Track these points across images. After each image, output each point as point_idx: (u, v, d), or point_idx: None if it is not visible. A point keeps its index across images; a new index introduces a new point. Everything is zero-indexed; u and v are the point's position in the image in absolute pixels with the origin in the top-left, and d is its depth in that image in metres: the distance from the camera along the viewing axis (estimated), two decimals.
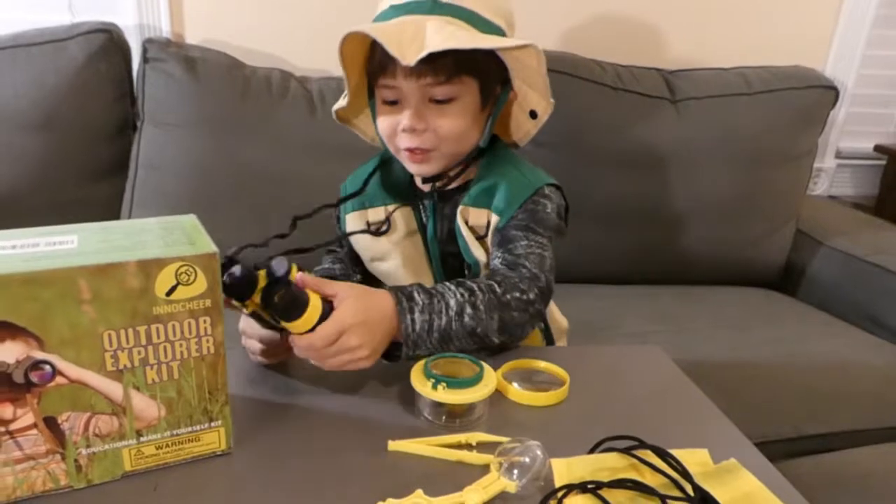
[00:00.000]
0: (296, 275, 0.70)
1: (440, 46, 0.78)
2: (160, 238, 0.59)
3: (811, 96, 1.72)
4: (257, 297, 0.68)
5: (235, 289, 0.66)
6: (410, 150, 0.89)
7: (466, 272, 0.95)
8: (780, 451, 1.12)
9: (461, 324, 0.77)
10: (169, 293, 0.57)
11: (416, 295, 0.77)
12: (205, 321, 0.59)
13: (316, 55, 1.73)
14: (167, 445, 0.62)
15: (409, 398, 0.74)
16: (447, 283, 0.80)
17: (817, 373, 1.29)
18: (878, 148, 2.11)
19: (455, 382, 0.70)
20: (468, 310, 0.78)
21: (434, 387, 0.69)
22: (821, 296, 1.68)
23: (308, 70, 1.68)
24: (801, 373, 1.29)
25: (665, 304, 1.58)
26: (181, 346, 0.59)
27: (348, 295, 0.73)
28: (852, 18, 1.96)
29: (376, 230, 0.97)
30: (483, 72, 0.88)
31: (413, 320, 0.75)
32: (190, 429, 0.62)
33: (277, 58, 1.72)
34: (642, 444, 0.65)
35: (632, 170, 1.65)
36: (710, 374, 1.20)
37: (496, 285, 0.81)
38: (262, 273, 0.68)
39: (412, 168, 0.93)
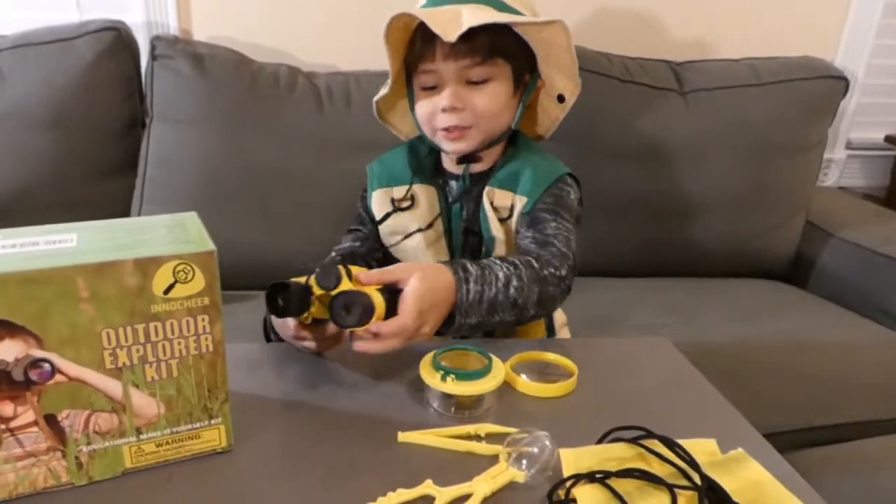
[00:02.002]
0: (353, 276, 0.73)
1: (477, 22, 0.85)
2: (160, 236, 0.59)
3: (821, 87, 1.71)
4: (314, 308, 0.72)
5: (293, 308, 0.71)
6: (448, 130, 0.95)
7: (483, 250, 1.00)
8: (789, 441, 1.12)
9: (507, 295, 0.82)
10: (167, 291, 0.57)
11: (469, 266, 0.82)
12: (203, 319, 0.59)
13: (323, 50, 1.73)
14: (167, 443, 0.62)
15: (419, 390, 0.74)
16: (492, 258, 0.86)
17: (827, 364, 1.29)
18: (888, 138, 2.10)
19: (464, 374, 0.70)
20: (514, 282, 0.83)
21: (443, 379, 0.70)
22: (831, 287, 1.67)
23: (315, 65, 1.68)
24: (811, 364, 1.29)
25: (674, 296, 1.58)
26: (180, 344, 0.59)
27: (414, 279, 0.76)
28: (862, 7, 1.94)
29: (401, 206, 1.01)
30: (515, 56, 0.94)
31: (468, 290, 0.80)
32: (190, 426, 0.63)
33: (285, 53, 1.72)
34: (650, 434, 0.65)
35: (640, 162, 1.64)
36: (719, 365, 1.18)
37: (534, 261, 0.86)
38: (312, 282, 0.72)
39: (449, 146, 0.97)
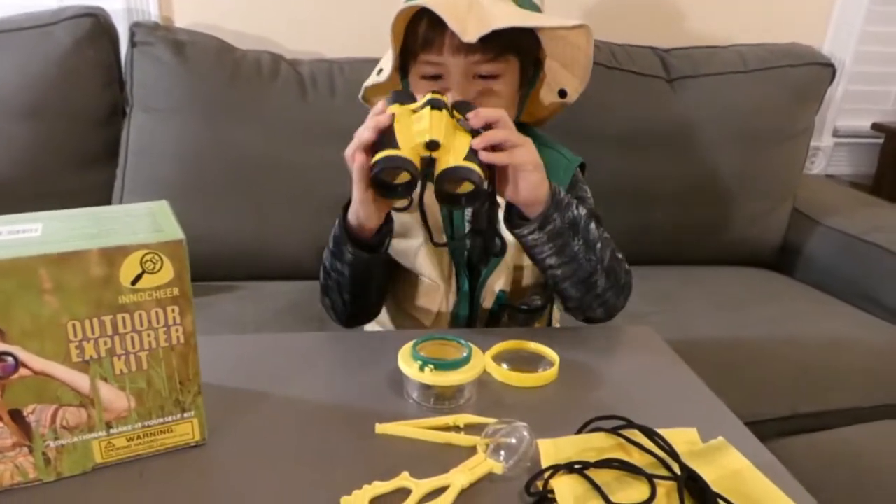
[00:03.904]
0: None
1: (505, 24, 0.79)
2: (127, 225, 0.58)
3: (808, 74, 1.71)
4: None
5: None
6: None
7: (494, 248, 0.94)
8: (774, 429, 1.12)
9: (587, 230, 0.83)
10: (134, 282, 0.55)
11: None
12: (173, 310, 0.58)
13: (307, 37, 1.71)
14: (139, 437, 0.61)
15: (398, 381, 0.73)
16: None
17: (812, 351, 1.29)
18: (875, 126, 2.10)
19: (443, 365, 0.69)
20: (592, 225, 0.84)
21: (421, 369, 0.69)
22: (817, 275, 1.68)
23: (299, 53, 1.66)
24: (797, 352, 1.29)
25: (661, 284, 1.57)
26: (149, 336, 0.58)
27: None
28: None
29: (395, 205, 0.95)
30: (526, 51, 0.90)
31: (560, 191, 0.81)
32: (162, 420, 0.61)
33: (268, 40, 1.70)
34: (630, 424, 0.64)
35: (626, 150, 1.63)
36: (705, 354, 1.20)
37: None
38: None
39: None
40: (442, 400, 0.70)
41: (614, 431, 0.64)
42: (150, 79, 1.52)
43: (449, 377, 0.69)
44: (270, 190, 1.51)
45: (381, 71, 0.93)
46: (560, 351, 0.80)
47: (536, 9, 0.91)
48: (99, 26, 1.51)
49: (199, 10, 1.68)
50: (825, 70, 1.72)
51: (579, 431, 0.65)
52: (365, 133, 0.75)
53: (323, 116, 1.53)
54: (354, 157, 0.76)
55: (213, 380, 0.67)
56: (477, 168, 0.73)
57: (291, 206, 1.51)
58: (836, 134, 2.12)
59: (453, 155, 0.74)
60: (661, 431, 0.63)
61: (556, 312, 1.07)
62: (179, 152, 1.50)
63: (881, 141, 2.10)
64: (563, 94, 0.98)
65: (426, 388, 0.70)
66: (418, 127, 0.75)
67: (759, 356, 1.27)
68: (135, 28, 1.53)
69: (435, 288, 0.96)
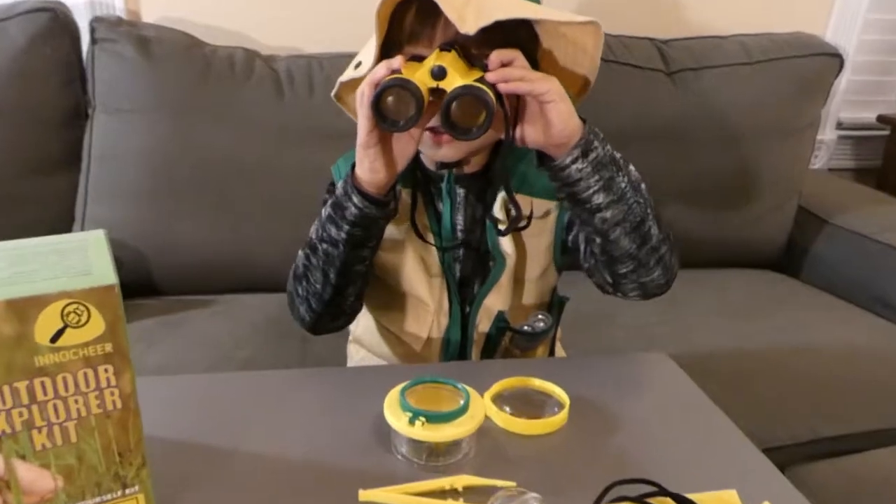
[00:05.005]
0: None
1: (510, 14, 0.69)
2: (48, 266, 0.47)
3: (814, 65, 1.62)
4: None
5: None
6: (435, 131, 0.78)
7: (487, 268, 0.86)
8: (794, 455, 1.04)
9: (628, 167, 0.77)
10: (54, 339, 0.45)
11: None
12: (106, 370, 0.48)
13: (283, 32, 1.62)
14: None
15: (384, 432, 0.63)
16: None
17: (829, 365, 1.21)
18: (881, 118, 2.01)
19: (436, 416, 0.59)
20: (632, 166, 0.78)
21: (411, 422, 0.59)
22: (826, 277, 1.60)
23: (275, 48, 1.56)
24: (813, 365, 1.20)
25: None
26: (77, 402, 0.47)
27: None
28: None
29: None
30: (524, 48, 0.77)
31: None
32: (99, 499, 0.51)
33: (241, 35, 1.60)
34: (660, 491, 0.55)
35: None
36: (715, 369, 1.12)
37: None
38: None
39: (433, 152, 0.82)
40: (436, 456, 0.61)
41: (642, 501, 0.54)
42: (114, 78, 1.41)
43: (444, 431, 0.59)
44: (245, 195, 1.41)
45: (359, 65, 0.80)
46: (568, 386, 0.70)
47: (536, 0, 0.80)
48: (57, 21, 1.40)
49: (168, 4, 1.58)
50: (832, 60, 1.63)
51: (599, 500, 0.55)
52: (379, 71, 0.70)
53: (301, 116, 1.43)
54: (364, 93, 0.71)
55: (166, 433, 0.58)
56: (489, 90, 0.68)
57: (268, 213, 1.42)
58: (839, 126, 2.04)
59: (462, 82, 0.69)
60: (695, 497, 0.54)
61: (560, 346, 0.98)
62: (146, 156, 1.40)
63: (887, 133, 2.01)
64: None
65: (417, 442, 0.60)
66: (426, 66, 0.70)
67: (772, 371, 1.19)
68: (95, 23, 1.42)
69: (424, 308, 0.86)
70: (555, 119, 0.70)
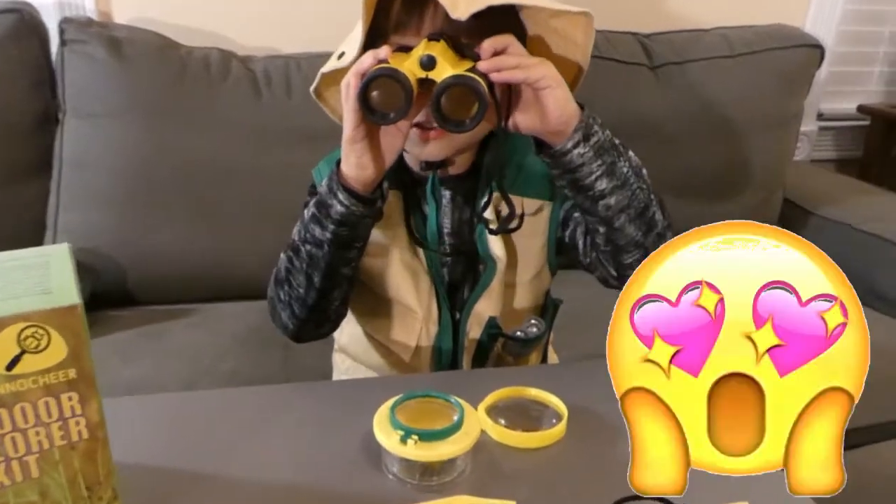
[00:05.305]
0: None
1: None
2: (6, 285, 0.44)
3: (795, 56, 1.63)
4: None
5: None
6: (423, 127, 0.75)
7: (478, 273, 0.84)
8: None
9: (627, 152, 0.74)
10: (10, 366, 0.42)
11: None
12: (70, 398, 0.44)
13: (260, 32, 1.58)
14: None
15: (373, 448, 0.60)
16: None
17: None
18: (861, 108, 2.02)
19: (429, 434, 0.57)
20: (631, 152, 0.75)
21: (403, 440, 0.56)
22: None
23: (251, 49, 1.52)
24: None
25: None
26: (38, 434, 0.44)
27: None
28: None
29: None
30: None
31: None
32: None
33: (216, 35, 1.56)
34: None
35: None
36: None
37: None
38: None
39: (417, 149, 0.78)
40: (430, 475, 0.58)
41: None
42: (85, 81, 1.36)
43: (438, 449, 0.56)
44: (224, 200, 1.38)
45: (342, 55, 0.77)
46: (565, 395, 0.68)
47: None
48: (23, 23, 1.36)
49: (140, 4, 1.54)
50: (813, 52, 1.64)
51: None
52: (366, 60, 0.67)
53: (279, 117, 1.39)
54: (350, 83, 0.68)
55: (140, 459, 0.54)
56: (481, 80, 0.66)
57: (248, 218, 1.38)
58: (820, 118, 2.04)
59: (453, 72, 0.66)
60: None
61: (552, 350, 0.95)
62: (120, 161, 1.36)
63: (867, 123, 2.02)
64: None
65: (410, 461, 0.57)
66: (415, 55, 0.68)
67: None
68: (64, 24, 1.37)
69: (412, 316, 0.83)
70: (551, 105, 0.68)
